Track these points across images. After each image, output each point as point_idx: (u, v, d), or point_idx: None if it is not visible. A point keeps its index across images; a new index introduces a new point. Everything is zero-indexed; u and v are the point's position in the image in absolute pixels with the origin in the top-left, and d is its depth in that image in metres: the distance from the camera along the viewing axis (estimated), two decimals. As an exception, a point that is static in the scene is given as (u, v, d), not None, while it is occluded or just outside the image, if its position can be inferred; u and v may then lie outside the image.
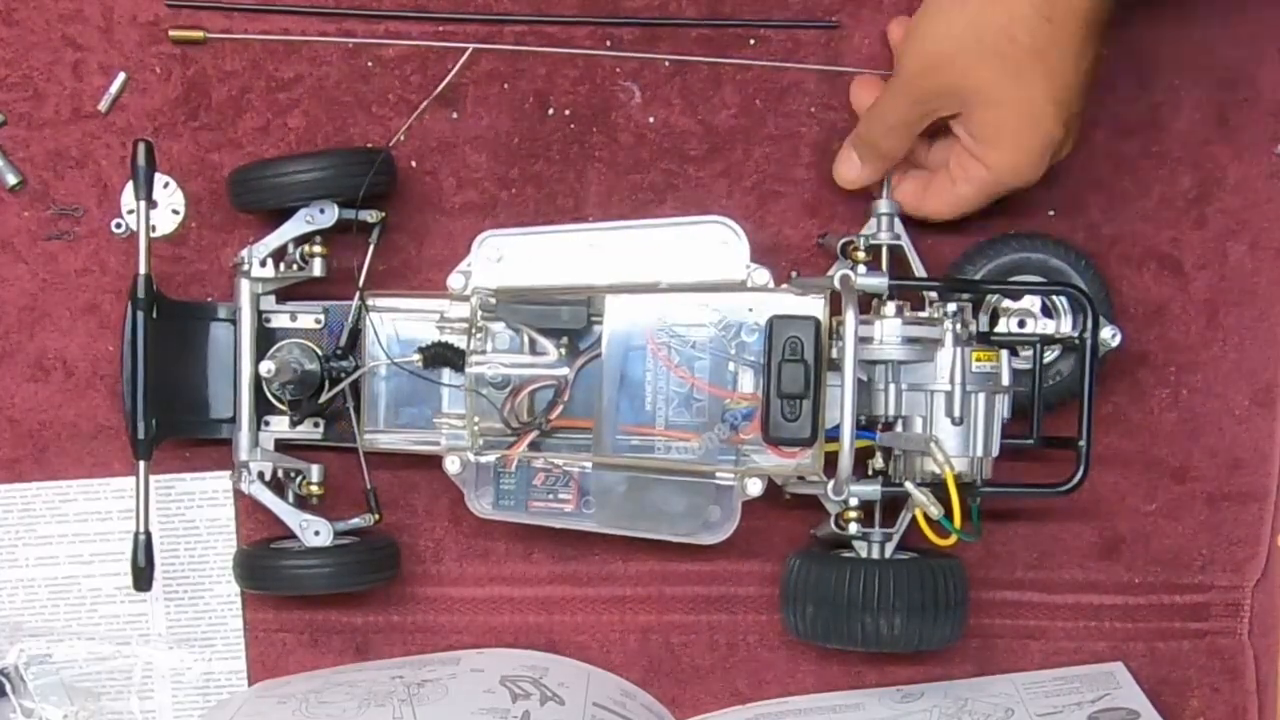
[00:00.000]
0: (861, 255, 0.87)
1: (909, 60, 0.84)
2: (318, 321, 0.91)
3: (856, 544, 0.89)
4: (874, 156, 0.88)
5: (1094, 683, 0.92)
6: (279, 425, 0.91)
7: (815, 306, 0.86)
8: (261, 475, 0.89)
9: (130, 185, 0.86)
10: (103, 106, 0.92)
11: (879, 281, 0.85)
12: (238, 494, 0.93)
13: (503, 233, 0.89)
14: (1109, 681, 0.93)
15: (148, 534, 0.85)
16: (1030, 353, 0.87)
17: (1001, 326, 0.84)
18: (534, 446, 0.88)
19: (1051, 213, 0.93)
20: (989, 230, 0.91)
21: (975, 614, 0.92)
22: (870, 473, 0.88)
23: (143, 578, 0.85)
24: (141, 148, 0.84)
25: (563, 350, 0.88)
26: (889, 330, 0.85)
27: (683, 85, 0.93)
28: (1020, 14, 0.80)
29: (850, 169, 0.90)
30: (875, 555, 0.88)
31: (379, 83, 0.93)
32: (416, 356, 0.89)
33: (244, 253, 0.89)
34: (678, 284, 0.87)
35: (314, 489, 0.90)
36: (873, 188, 0.90)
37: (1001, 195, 0.87)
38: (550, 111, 0.93)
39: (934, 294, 0.87)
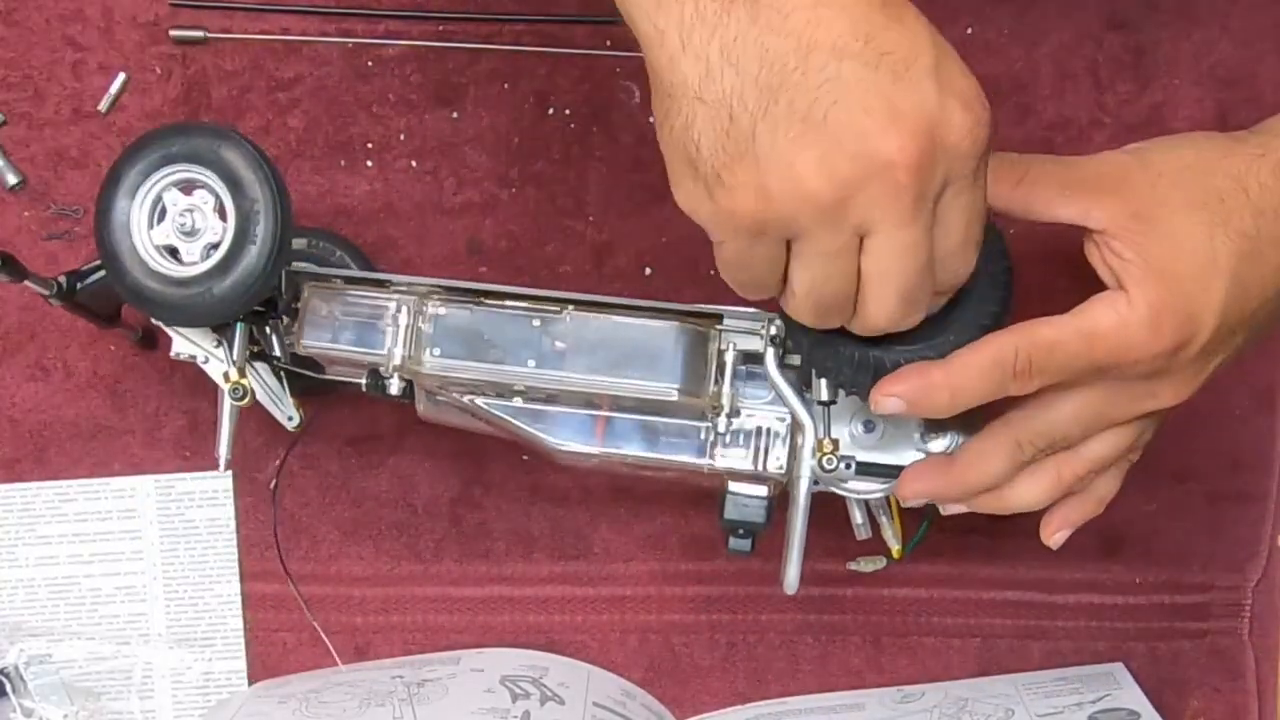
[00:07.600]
0: None
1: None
2: None
3: None
4: None
5: (1094, 683, 0.92)
6: None
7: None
8: None
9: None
10: (103, 106, 0.92)
11: None
12: (238, 494, 0.93)
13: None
14: (1109, 682, 0.93)
15: None
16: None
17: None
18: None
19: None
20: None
21: (976, 614, 0.93)
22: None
23: None
24: None
25: None
26: None
27: (683, 85, 0.93)
28: None
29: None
30: None
31: (379, 83, 0.93)
32: None
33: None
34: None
35: None
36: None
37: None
38: (550, 111, 0.93)
39: None
